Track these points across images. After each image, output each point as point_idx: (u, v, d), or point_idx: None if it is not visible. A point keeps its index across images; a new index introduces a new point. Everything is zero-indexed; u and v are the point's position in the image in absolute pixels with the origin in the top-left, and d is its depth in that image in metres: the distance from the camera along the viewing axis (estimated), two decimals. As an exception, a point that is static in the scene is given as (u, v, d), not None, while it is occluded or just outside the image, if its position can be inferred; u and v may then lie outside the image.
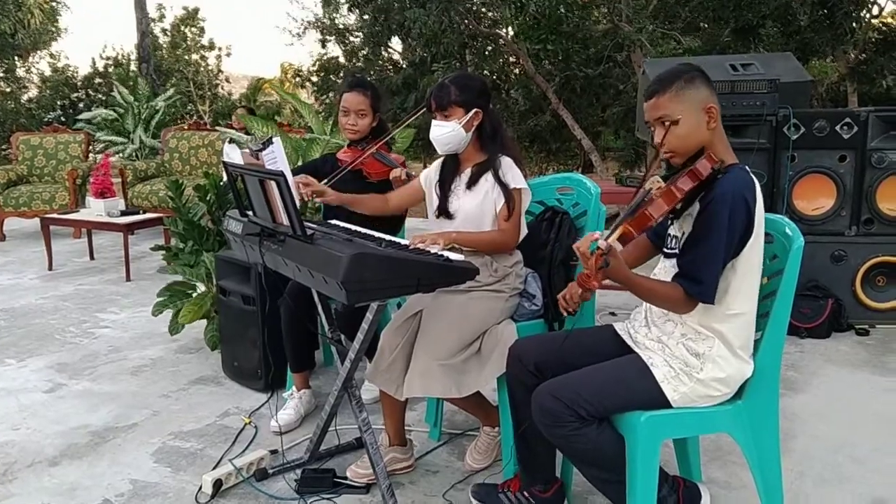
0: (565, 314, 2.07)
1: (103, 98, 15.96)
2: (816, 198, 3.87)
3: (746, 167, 1.79)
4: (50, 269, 5.60)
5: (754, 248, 1.75)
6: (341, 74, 14.01)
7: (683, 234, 1.83)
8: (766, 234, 1.90)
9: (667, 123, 1.77)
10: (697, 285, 1.72)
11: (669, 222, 1.90)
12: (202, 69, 21.67)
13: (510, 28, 8.70)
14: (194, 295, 3.47)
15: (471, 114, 2.29)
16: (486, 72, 11.72)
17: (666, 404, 1.80)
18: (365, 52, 13.02)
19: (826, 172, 3.83)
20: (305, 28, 13.25)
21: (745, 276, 1.76)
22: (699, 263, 1.72)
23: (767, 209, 1.84)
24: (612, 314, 4.13)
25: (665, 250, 1.91)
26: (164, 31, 20.88)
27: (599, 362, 1.88)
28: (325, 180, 2.65)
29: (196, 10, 21.54)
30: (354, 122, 2.85)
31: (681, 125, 1.76)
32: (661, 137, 1.79)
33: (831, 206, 3.85)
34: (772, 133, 3.83)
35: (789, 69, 4.09)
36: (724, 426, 1.90)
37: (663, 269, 1.91)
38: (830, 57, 9.18)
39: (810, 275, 3.83)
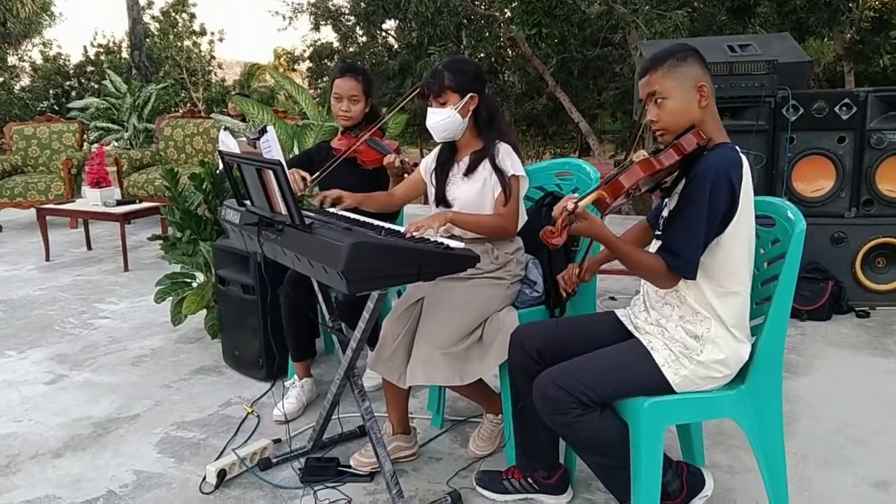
0: (563, 294, 2.07)
1: (96, 86, 15.85)
2: (816, 179, 3.86)
3: (737, 147, 1.78)
4: (47, 259, 5.58)
5: (741, 226, 1.74)
6: (335, 59, 13.92)
7: (670, 212, 1.84)
8: (768, 218, 1.90)
9: (657, 100, 1.78)
10: (676, 258, 1.73)
11: (664, 205, 1.89)
12: (194, 55, 21.52)
13: (502, 14, 8.64)
14: (194, 284, 3.46)
15: (466, 98, 2.27)
16: (482, 55, 11.65)
17: (668, 388, 1.80)
18: (360, 35, 12.93)
19: (825, 154, 3.82)
20: (298, 12, 13.13)
21: (734, 254, 1.76)
22: (679, 237, 1.73)
23: (767, 192, 1.85)
24: (612, 298, 4.13)
25: (657, 232, 1.91)
26: (154, 17, 20.69)
27: (601, 348, 1.88)
28: (319, 172, 2.64)
29: (186, -6, 21.33)
30: (347, 109, 2.82)
31: (671, 101, 1.77)
32: (654, 115, 1.80)
33: (831, 187, 3.84)
34: (770, 114, 3.82)
35: (787, 50, 4.06)
36: (727, 411, 1.90)
37: (655, 248, 1.91)
38: (827, 37, 9.13)
39: (810, 257, 3.83)
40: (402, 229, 2.06)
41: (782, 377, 1.93)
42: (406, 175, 2.60)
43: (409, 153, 16.30)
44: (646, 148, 1.85)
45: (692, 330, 1.80)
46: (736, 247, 1.75)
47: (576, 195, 1.79)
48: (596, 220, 1.74)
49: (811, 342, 3.47)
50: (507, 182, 2.25)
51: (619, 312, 2.03)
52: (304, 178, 2.61)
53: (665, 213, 1.87)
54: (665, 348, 1.81)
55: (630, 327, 1.95)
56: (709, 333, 1.78)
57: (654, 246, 1.93)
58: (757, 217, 1.81)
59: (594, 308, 2.46)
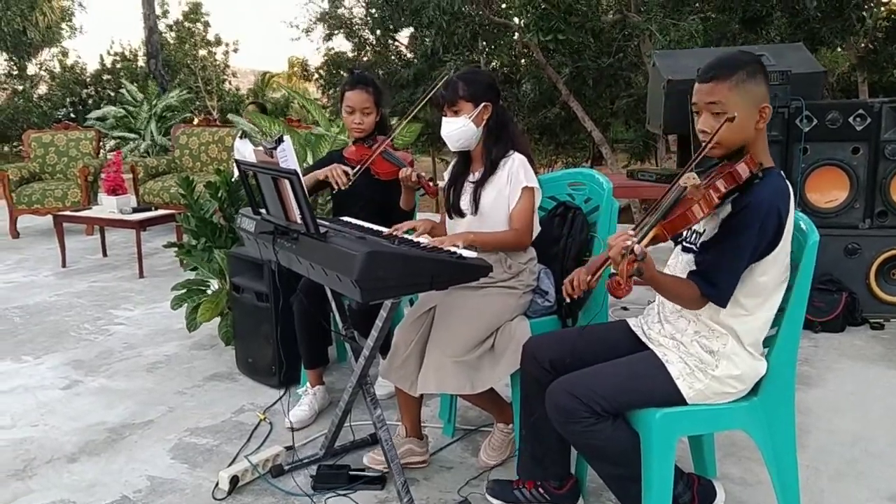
0: (568, 299, 2.03)
1: (112, 95, 16.02)
2: (829, 190, 3.85)
3: (782, 172, 1.75)
4: (64, 266, 5.64)
5: (777, 256, 1.72)
6: (348, 67, 13.97)
7: (705, 231, 1.80)
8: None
9: (719, 113, 1.68)
10: (713, 287, 1.70)
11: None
12: (209, 65, 21.71)
13: (519, 19, 8.68)
14: (209, 291, 3.50)
15: (480, 108, 2.29)
16: (496, 64, 11.69)
17: (681, 401, 1.80)
18: (373, 45, 12.99)
19: (839, 165, 3.80)
20: (314, 23, 13.24)
21: (767, 280, 1.73)
22: (719, 268, 1.70)
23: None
24: (625, 308, 4.11)
25: (684, 244, 1.89)
26: (169, 27, 20.90)
27: (614, 358, 1.88)
28: (358, 167, 2.65)
29: (198, 5, 21.54)
30: (360, 121, 2.84)
31: (734, 119, 1.66)
32: (708, 125, 1.70)
33: (844, 198, 3.82)
34: (784, 125, 3.80)
35: (801, 60, 4.06)
36: (739, 423, 1.90)
37: (678, 263, 1.89)
38: (840, 47, 9.11)
39: (824, 268, 3.80)
40: (418, 239, 2.08)
41: (795, 389, 1.92)
42: (422, 188, 2.61)
43: (422, 162, 16.35)
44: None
45: (708, 345, 1.79)
46: (766, 273, 1.73)
47: (631, 234, 1.63)
48: (652, 263, 1.62)
49: (825, 354, 3.44)
50: (522, 193, 2.27)
51: (632, 322, 2.04)
52: (346, 173, 2.65)
53: (694, 227, 1.80)
54: (680, 361, 1.81)
55: (643, 338, 1.95)
56: (725, 349, 1.78)
57: (677, 258, 1.90)
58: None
59: (606, 317, 2.47)
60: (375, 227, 2.22)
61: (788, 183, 1.73)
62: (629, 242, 1.56)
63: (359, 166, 2.66)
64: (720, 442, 2.45)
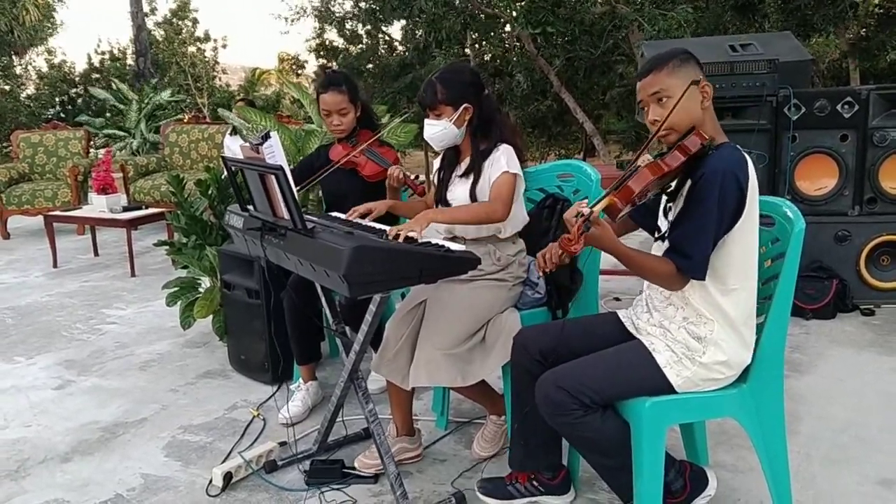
0: (539, 273, 2.02)
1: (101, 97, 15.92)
2: (819, 178, 3.86)
3: (737, 146, 1.79)
4: (55, 266, 5.62)
5: (748, 224, 1.76)
6: (340, 59, 13.92)
7: (675, 213, 1.84)
8: (767, 217, 1.91)
9: (662, 99, 1.78)
10: (687, 260, 1.73)
11: (668, 207, 1.90)
12: (199, 61, 21.58)
13: (508, 10, 8.67)
14: (201, 289, 3.49)
15: (460, 110, 2.27)
16: (487, 56, 11.66)
17: (670, 389, 1.81)
18: (363, 38, 12.96)
19: (828, 152, 3.81)
20: (300, 15, 13.15)
21: (740, 251, 1.77)
22: (689, 238, 1.73)
23: (770, 191, 1.85)
24: (617, 299, 4.13)
25: (665, 236, 1.91)
26: (157, 24, 20.77)
27: (603, 349, 1.89)
28: (309, 180, 2.66)
29: (187, 2, 21.41)
30: (339, 122, 2.81)
31: (675, 100, 1.75)
32: (657, 114, 1.79)
33: (834, 185, 3.84)
34: (772, 113, 3.81)
35: (789, 48, 4.06)
36: (728, 410, 1.90)
37: (659, 252, 1.91)
38: (832, 34, 9.11)
39: (814, 255, 3.82)
40: (378, 227, 2.07)
41: (783, 375, 1.93)
42: (409, 188, 2.60)
43: (414, 156, 16.32)
44: (653, 148, 1.84)
45: (695, 331, 1.81)
46: (740, 244, 1.76)
47: (584, 201, 1.77)
48: (608, 227, 1.71)
49: (816, 341, 3.46)
50: (500, 176, 2.24)
51: (621, 313, 2.04)
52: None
53: (671, 217, 1.86)
54: (667, 349, 1.82)
55: (631, 329, 1.96)
56: (712, 335, 1.79)
57: (658, 247, 1.93)
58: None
59: (597, 309, 2.47)
60: (363, 222, 2.22)
61: (745, 154, 1.77)
62: (584, 204, 1.70)
63: (315, 175, 2.64)
64: (711, 430, 2.46)
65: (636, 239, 2.09)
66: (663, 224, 1.92)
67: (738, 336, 1.80)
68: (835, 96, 3.78)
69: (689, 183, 1.78)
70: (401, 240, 1.95)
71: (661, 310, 1.88)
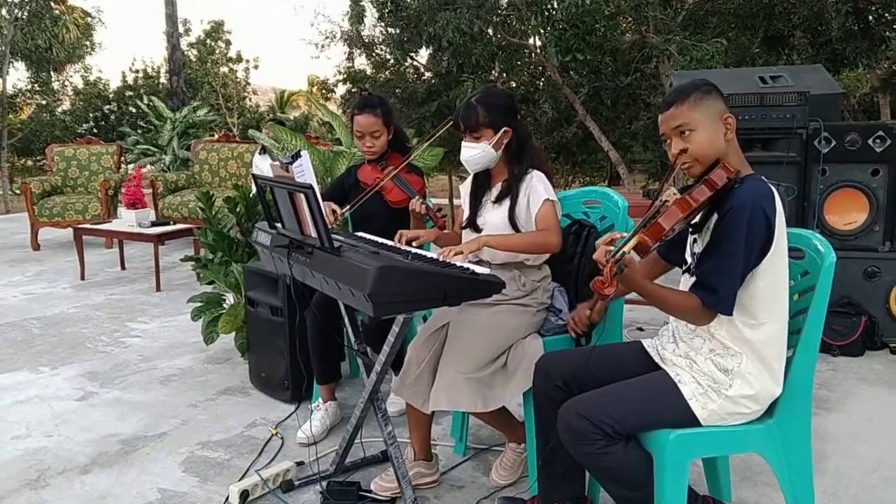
0: (573, 335, 2.07)
1: (134, 111, 16.28)
2: (849, 212, 3.81)
3: (763, 177, 1.78)
4: (82, 278, 5.70)
5: (776, 257, 1.73)
6: (367, 85, 14.10)
7: (701, 247, 1.82)
8: (797, 250, 1.88)
9: (685, 132, 1.77)
10: (713, 295, 1.71)
11: (693, 241, 1.88)
12: (230, 82, 22.01)
13: (537, 38, 8.73)
14: (225, 305, 3.52)
15: (500, 133, 2.30)
16: (513, 83, 11.74)
17: (694, 422, 1.78)
18: (391, 63, 13.12)
19: (858, 186, 3.77)
20: (330, 40, 13.37)
21: (768, 284, 1.74)
22: (716, 273, 1.71)
23: (798, 224, 1.83)
24: (640, 329, 4.09)
25: (692, 269, 1.89)
26: (190, 45, 21.25)
27: (627, 378, 1.87)
28: (349, 206, 2.71)
29: (221, 23, 21.89)
30: (371, 144, 2.86)
31: (699, 133, 1.76)
32: (679, 147, 1.78)
33: (864, 220, 3.78)
34: (802, 146, 3.78)
35: (819, 81, 4.04)
36: (754, 446, 1.86)
37: (685, 287, 1.89)
38: (863, 67, 9.05)
39: (843, 291, 3.76)
40: (429, 254, 2.08)
41: (811, 412, 1.89)
42: (431, 219, 2.60)
43: (439, 180, 16.40)
44: (677, 178, 1.83)
45: (722, 363, 1.78)
46: (768, 278, 1.73)
47: (612, 237, 1.75)
48: (637, 267, 1.69)
49: (843, 378, 3.39)
50: (543, 204, 2.26)
51: (646, 343, 2.02)
52: (333, 212, 2.67)
53: (697, 250, 1.85)
54: (693, 381, 1.79)
55: (657, 359, 1.94)
56: (739, 368, 1.76)
57: (686, 281, 1.91)
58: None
59: (621, 337, 2.45)
60: (389, 243, 2.22)
61: (771, 186, 1.75)
62: (608, 247, 1.67)
63: (350, 206, 2.70)
64: (735, 465, 2.41)
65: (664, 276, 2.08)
66: (689, 257, 1.90)
67: (767, 369, 1.77)
68: (866, 130, 3.75)
69: (714, 217, 1.76)
70: (450, 259, 1.99)
71: (688, 341, 1.86)
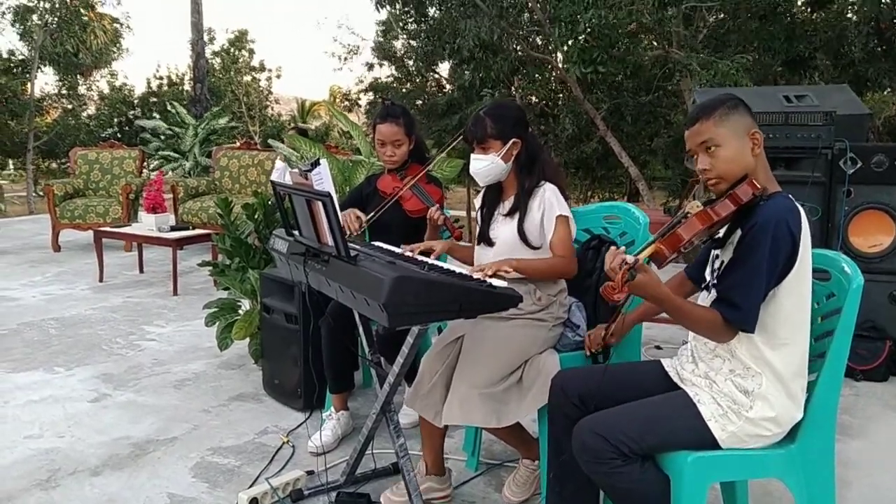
0: (588, 353, 2.04)
1: (157, 117, 16.52)
2: (874, 234, 3.74)
3: (789, 195, 1.74)
4: (101, 280, 5.74)
5: (800, 276, 1.69)
6: (391, 95, 14.20)
7: (723, 263, 1.78)
8: (823, 272, 1.84)
9: (711, 148, 1.74)
10: (736, 311, 1.67)
11: (714, 256, 1.85)
12: (253, 90, 22.24)
13: (559, 53, 8.74)
14: (240, 311, 3.52)
15: (509, 144, 2.27)
16: (534, 99, 11.75)
17: (713, 444, 1.73)
18: (413, 75, 13.22)
19: (884, 209, 3.70)
20: (353, 52, 13.52)
21: (791, 304, 1.70)
22: (738, 289, 1.68)
23: (822, 245, 1.79)
24: (658, 348, 4.04)
25: (710, 285, 1.85)
26: (214, 53, 21.52)
27: (644, 398, 1.83)
28: (372, 213, 2.69)
29: (245, 32, 22.15)
30: (392, 153, 2.86)
31: (725, 149, 1.73)
32: (705, 164, 1.75)
33: (889, 243, 3.71)
34: (827, 166, 3.73)
35: (845, 101, 3.99)
36: (775, 471, 1.82)
37: (705, 303, 1.86)
38: (888, 88, 8.95)
39: (867, 315, 3.68)
40: (445, 265, 2.06)
41: (835, 438, 1.84)
42: (448, 229, 2.58)
43: (456, 192, 16.41)
44: (698, 195, 1.81)
45: (742, 384, 1.74)
46: (791, 296, 1.70)
47: (623, 249, 1.71)
48: (653, 274, 1.66)
49: (866, 404, 3.31)
50: (556, 222, 2.25)
51: (665, 362, 1.98)
52: (358, 218, 2.66)
53: (717, 265, 1.82)
54: (712, 402, 1.75)
55: (676, 378, 1.90)
56: (760, 389, 1.72)
57: (704, 298, 1.88)
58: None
59: (639, 356, 2.41)
60: (406, 253, 2.21)
61: (797, 204, 1.71)
62: (623, 250, 1.65)
63: (373, 213, 2.69)
64: (754, 490, 2.35)
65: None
66: (709, 274, 1.87)
67: (788, 391, 1.73)
68: (893, 152, 3.68)
69: (738, 232, 1.73)
70: (482, 277, 2.00)
71: (707, 360, 1.82)
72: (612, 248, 1.70)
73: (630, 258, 1.60)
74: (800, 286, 1.71)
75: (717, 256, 1.84)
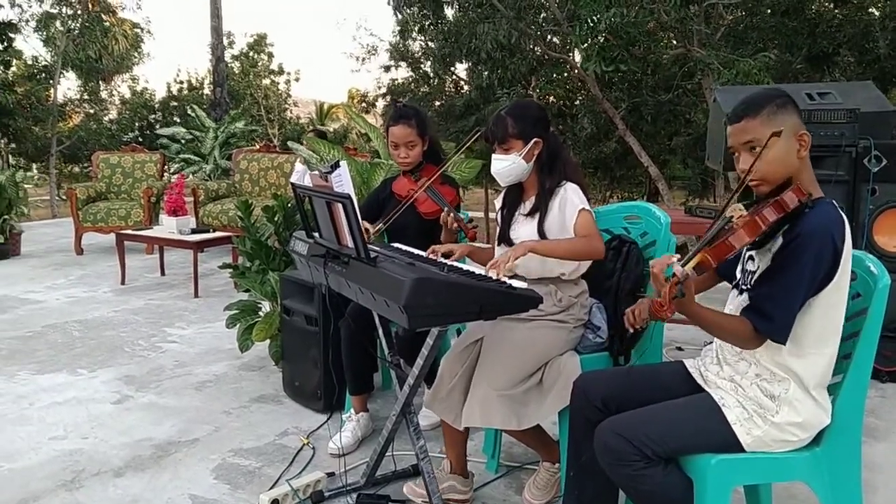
0: (630, 330, 1.99)
1: (178, 121, 16.69)
2: (900, 234, 3.68)
3: (834, 202, 1.68)
4: (123, 283, 5.80)
5: (836, 290, 1.65)
6: (408, 97, 14.22)
7: (759, 268, 1.74)
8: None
9: (756, 149, 1.67)
10: (768, 322, 1.63)
11: (748, 257, 1.82)
12: (272, 93, 22.38)
13: (578, 51, 8.71)
14: (261, 313, 3.54)
15: (530, 144, 2.26)
16: (551, 98, 11.70)
17: (738, 447, 1.71)
18: (431, 76, 13.23)
19: (910, 207, 3.64)
20: (371, 54, 13.55)
21: (822, 315, 1.66)
22: (774, 300, 1.63)
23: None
24: (679, 349, 3.99)
25: (741, 286, 1.83)
26: (234, 57, 21.70)
27: (668, 399, 1.81)
28: (382, 222, 2.66)
29: (264, 36, 22.30)
30: (406, 155, 2.85)
31: (771, 150, 1.63)
32: (748, 164, 1.67)
33: (916, 243, 3.65)
34: (851, 165, 3.66)
35: (870, 99, 3.92)
36: (800, 474, 1.79)
37: (735, 306, 1.83)
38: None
39: (892, 315, 3.57)
40: (465, 266, 2.06)
41: (861, 441, 1.81)
42: (462, 231, 2.57)
43: (474, 193, 16.39)
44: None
45: (769, 389, 1.71)
46: (823, 308, 1.65)
47: (674, 256, 1.65)
48: (693, 293, 1.60)
49: (893, 405, 3.26)
50: (580, 215, 2.22)
51: (689, 363, 1.96)
52: (366, 230, 2.63)
53: (750, 268, 1.77)
54: (738, 405, 1.73)
55: (699, 380, 1.87)
56: (786, 394, 1.69)
57: (734, 302, 1.83)
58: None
59: (661, 357, 2.39)
60: (426, 255, 2.21)
61: (842, 213, 1.66)
62: (673, 259, 1.58)
63: (384, 220, 2.67)
64: (778, 494, 2.32)
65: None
66: (740, 273, 1.83)
67: (812, 399, 1.70)
68: (920, 150, 3.62)
69: (780, 240, 1.66)
70: (498, 273, 1.98)
71: (733, 364, 1.79)
72: (665, 255, 1.66)
73: (679, 270, 1.54)
74: (834, 298, 1.66)
75: (750, 257, 1.80)
